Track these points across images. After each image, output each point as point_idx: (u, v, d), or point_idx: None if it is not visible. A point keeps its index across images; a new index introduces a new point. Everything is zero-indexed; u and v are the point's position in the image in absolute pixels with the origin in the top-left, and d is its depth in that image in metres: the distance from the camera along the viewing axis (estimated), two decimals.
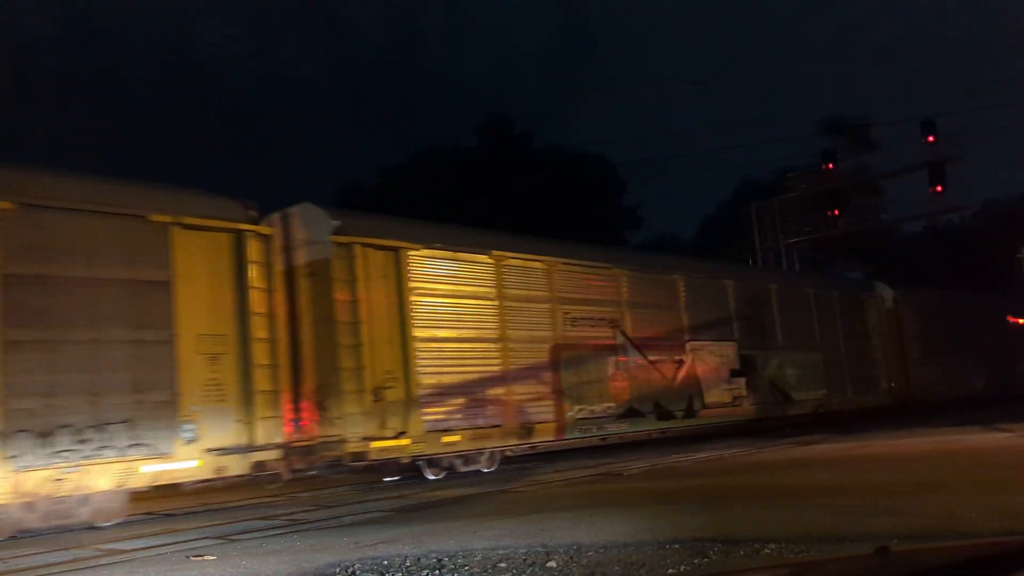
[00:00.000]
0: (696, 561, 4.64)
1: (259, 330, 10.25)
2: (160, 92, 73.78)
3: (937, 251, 48.86)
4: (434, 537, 6.17)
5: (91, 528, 8.76)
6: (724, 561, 4.61)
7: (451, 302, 12.71)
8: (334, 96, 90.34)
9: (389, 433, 11.51)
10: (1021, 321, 30.57)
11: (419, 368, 11.89)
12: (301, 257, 11.64)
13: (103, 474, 8.74)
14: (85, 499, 8.76)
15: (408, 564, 5.20)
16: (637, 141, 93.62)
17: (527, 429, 13.27)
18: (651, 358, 15.62)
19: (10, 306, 8.46)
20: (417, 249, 12.38)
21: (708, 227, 50.03)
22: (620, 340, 15.17)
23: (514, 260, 13.83)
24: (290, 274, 11.57)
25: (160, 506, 10.33)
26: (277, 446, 10.27)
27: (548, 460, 14.39)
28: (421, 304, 12.19)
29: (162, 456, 9.19)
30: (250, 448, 9.94)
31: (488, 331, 13.09)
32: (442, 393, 12.20)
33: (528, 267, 14.06)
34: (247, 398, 10.01)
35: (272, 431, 10.22)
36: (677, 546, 5.00)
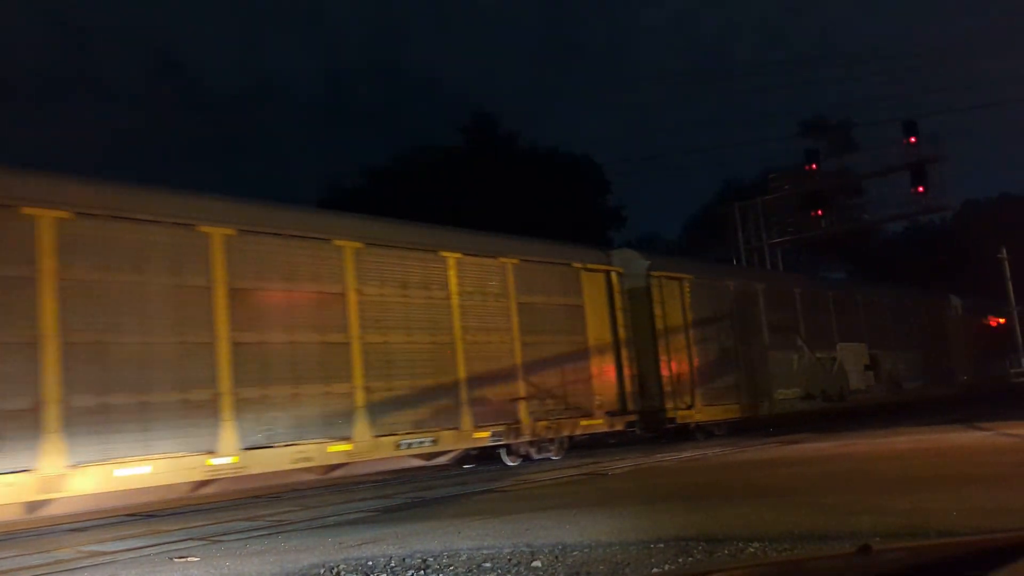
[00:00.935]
0: (681, 560, 4.66)
1: (621, 334, 15.71)
2: (143, 91, 73.27)
3: (918, 251, 49.31)
4: (419, 537, 6.16)
5: (73, 530, 8.68)
6: (708, 560, 4.64)
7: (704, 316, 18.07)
8: (317, 95, 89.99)
9: (682, 406, 16.74)
10: (997, 321, 31.14)
11: (696, 362, 17.34)
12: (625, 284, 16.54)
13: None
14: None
15: (393, 564, 5.19)
16: (621, 141, 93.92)
17: (752, 405, 18.71)
18: (818, 356, 21.14)
19: None
20: (691, 278, 17.89)
21: (692, 227, 50.26)
22: (799, 343, 20.72)
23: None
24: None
25: (143, 507, 10.25)
26: (638, 412, 15.65)
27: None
28: (693, 318, 17.63)
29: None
30: (627, 412, 15.43)
31: (752, 337, 19.40)
32: (706, 379, 17.56)
33: (786, 294, 21.36)
34: (621, 382, 15.48)
35: (635, 403, 15.66)
36: (662, 545, 5.01)
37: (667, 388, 16.51)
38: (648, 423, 16.12)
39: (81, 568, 6.35)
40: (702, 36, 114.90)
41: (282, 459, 10.45)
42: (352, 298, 11.70)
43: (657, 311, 16.61)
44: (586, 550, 5.10)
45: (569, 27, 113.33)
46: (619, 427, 15.42)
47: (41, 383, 8.57)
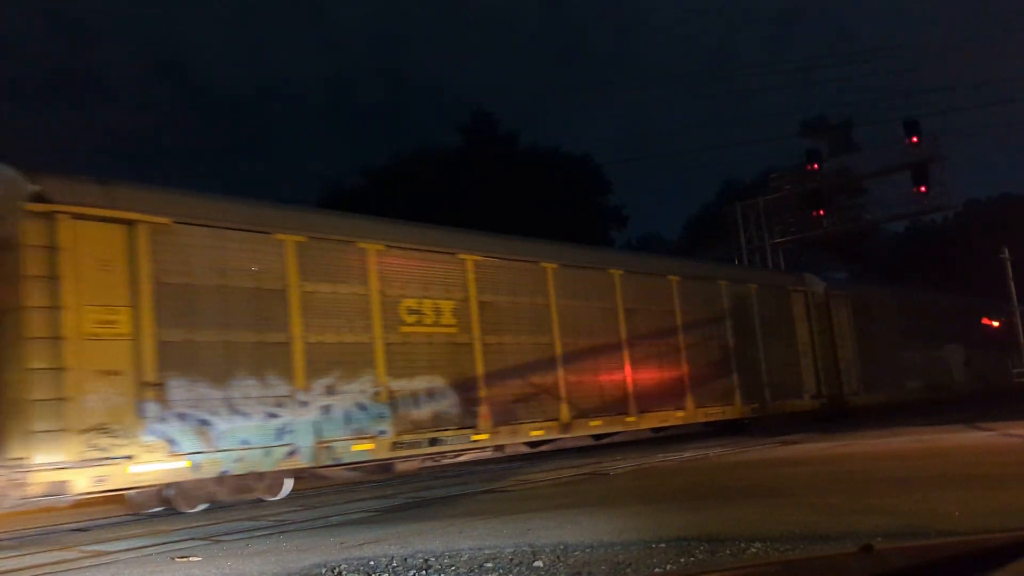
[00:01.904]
0: (682, 560, 4.65)
1: (815, 339, 21.53)
2: (146, 91, 73.28)
3: (919, 251, 49.24)
4: (420, 537, 6.16)
5: (75, 529, 8.69)
6: (710, 560, 4.63)
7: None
8: (320, 97, 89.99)
9: (850, 392, 22.06)
10: (994, 323, 31.55)
11: (858, 359, 22.68)
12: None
13: None
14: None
15: (395, 564, 5.19)
16: (622, 141, 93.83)
17: (891, 393, 23.52)
18: (933, 354, 26.90)
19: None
20: (853, 295, 23.73)
21: (693, 227, 50.21)
22: (923, 344, 26.09)
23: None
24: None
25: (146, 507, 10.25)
26: (827, 396, 21.25)
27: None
28: (859, 326, 23.08)
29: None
30: (820, 396, 21.22)
31: (891, 339, 24.63)
32: (862, 372, 22.80)
33: (911, 304, 27.02)
34: (817, 373, 21.37)
35: (825, 389, 21.34)
36: (663, 545, 5.01)
37: (843, 379, 21.86)
38: (832, 405, 21.15)
39: (83, 568, 6.36)
40: (705, 37, 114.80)
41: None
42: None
43: (834, 320, 21.94)
44: (588, 550, 5.10)
45: (571, 28, 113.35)
46: (816, 407, 20.62)
47: None
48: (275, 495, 10.62)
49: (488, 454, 14.85)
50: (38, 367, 8.32)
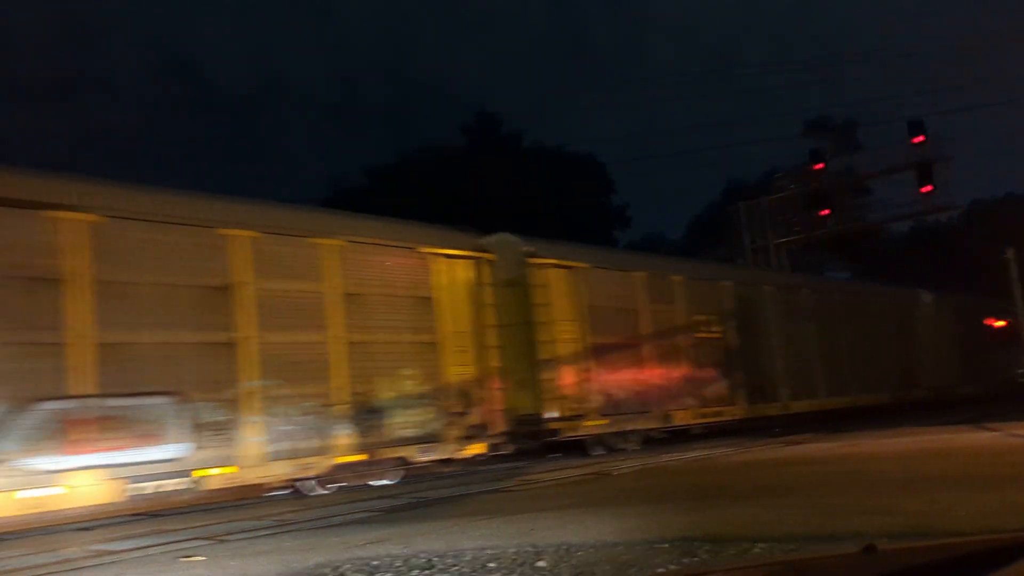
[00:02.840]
0: (686, 560, 4.65)
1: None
2: (151, 90, 73.47)
3: (924, 251, 49.12)
4: (423, 537, 6.16)
5: (79, 529, 8.71)
6: (713, 560, 4.63)
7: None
8: (325, 96, 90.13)
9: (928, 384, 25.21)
10: (998, 324, 31.50)
11: (930, 358, 26.08)
12: None
13: None
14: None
15: (398, 564, 5.19)
16: (626, 141, 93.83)
17: (938, 388, 25.34)
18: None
19: None
20: (935, 301, 27.71)
21: (696, 227, 50.10)
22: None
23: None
24: None
25: (148, 506, 10.26)
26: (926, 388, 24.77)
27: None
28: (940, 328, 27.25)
29: None
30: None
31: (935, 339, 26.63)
32: (931, 369, 26.00)
33: (960, 308, 29.48)
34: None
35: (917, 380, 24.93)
36: (667, 545, 5.01)
37: (915, 372, 24.15)
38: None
39: (87, 567, 6.37)
40: (710, 36, 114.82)
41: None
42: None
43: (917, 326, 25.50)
44: (591, 550, 5.09)
45: (576, 27, 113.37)
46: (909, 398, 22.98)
47: None
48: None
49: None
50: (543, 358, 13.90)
